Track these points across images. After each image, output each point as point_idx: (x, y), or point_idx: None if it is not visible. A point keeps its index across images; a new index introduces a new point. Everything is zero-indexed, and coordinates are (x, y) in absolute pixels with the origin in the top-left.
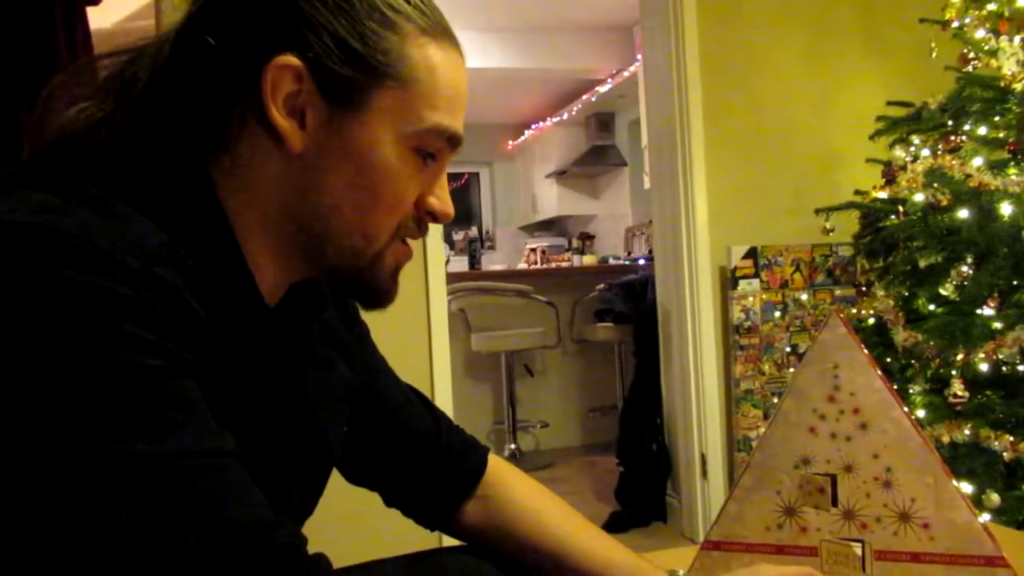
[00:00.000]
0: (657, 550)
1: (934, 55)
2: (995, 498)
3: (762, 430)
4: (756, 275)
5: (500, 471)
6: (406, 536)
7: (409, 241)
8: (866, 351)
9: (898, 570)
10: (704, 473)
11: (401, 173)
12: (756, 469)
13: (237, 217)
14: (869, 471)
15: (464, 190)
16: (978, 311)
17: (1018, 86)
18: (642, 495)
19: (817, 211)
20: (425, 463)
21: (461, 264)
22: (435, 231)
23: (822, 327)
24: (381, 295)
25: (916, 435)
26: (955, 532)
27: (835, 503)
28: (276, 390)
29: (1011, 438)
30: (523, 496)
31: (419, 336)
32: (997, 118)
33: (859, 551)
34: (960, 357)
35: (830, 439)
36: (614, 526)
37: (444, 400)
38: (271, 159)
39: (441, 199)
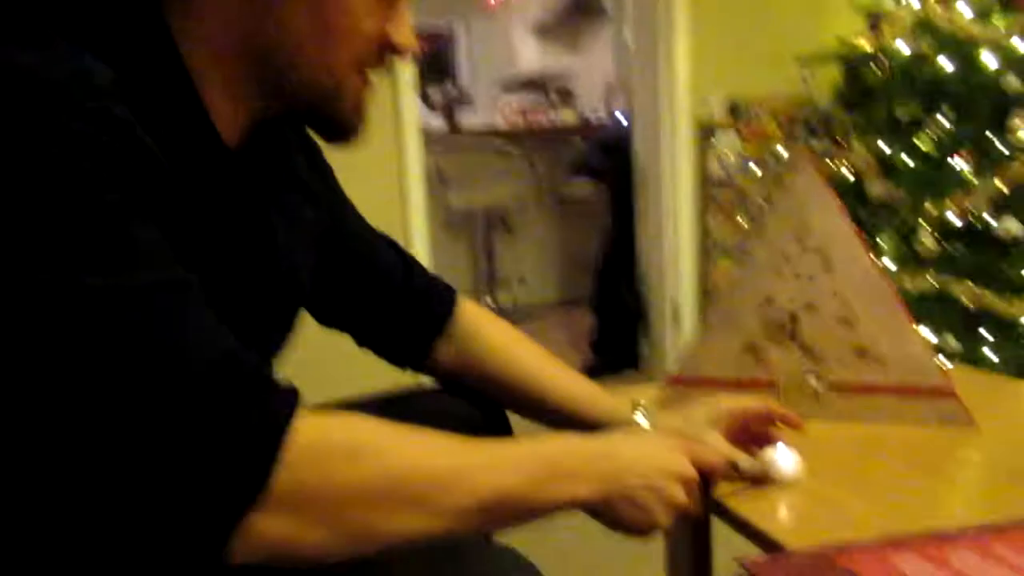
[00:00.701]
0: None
1: None
2: (953, 343)
3: None
4: (734, 127)
5: (471, 312)
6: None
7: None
8: (833, 193)
9: (852, 401)
10: (676, 322)
11: (358, 5)
12: (721, 308)
13: (191, 54)
14: (830, 309)
15: (441, 46)
16: (951, 163)
17: None
18: (616, 345)
19: (798, 60)
20: (395, 303)
21: (438, 122)
22: (406, 84)
23: (793, 169)
24: (345, 128)
25: (876, 274)
26: (908, 365)
27: (796, 340)
28: (241, 232)
29: (973, 287)
30: (493, 335)
31: (393, 192)
32: None
33: (816, 384)
34: (930, 208)
35: (794, 278)
36: (588, 374)
37: (421, 256)
38: None
39: (401, 31)
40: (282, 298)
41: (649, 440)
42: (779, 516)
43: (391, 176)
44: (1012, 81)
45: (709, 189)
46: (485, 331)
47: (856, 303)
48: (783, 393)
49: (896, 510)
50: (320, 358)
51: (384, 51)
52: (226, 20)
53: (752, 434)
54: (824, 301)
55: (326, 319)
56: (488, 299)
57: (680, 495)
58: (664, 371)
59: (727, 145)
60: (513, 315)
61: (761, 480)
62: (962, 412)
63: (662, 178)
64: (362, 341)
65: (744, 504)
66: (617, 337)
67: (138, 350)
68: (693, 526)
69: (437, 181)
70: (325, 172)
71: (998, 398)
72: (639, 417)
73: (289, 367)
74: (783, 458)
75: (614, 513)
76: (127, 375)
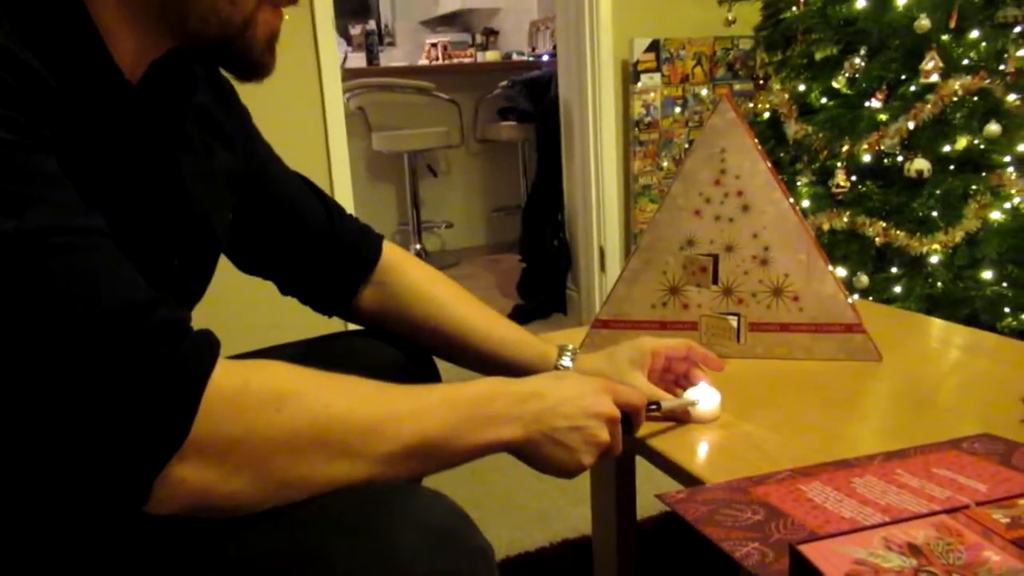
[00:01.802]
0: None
1: None
2: (864, 279)
3: None
4: (658, 69)
5: (396, 257)
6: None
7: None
8: (752, 135)
9: (769, 339)
10: (602, 266)
11: None
12: (644, 252)
13: None
14: (748, 250)
15: None
16: (866, 104)
17: None
18: (543, 289)
19: (720, 0)
20: (318, 249)
21: (359, 60)
22: (326, 21)
23: (712, 112)
24: (257, 65)
25: (793, 215)
26: (822, 303)
27: (716, 281)
28: (148, 172)
29: (884, 224)
30: (419, 280)
31: (315, 135)
32: None
33: (735, 323)
34: (845, 148)
35: (714, 220)
36: (516, 318)
37: (345, 201)
38: None
39: None
40: (194, 241)
41: (573, 382)
42: (698, 453)
43: (313, 118)
44: (923, 21)
45: (634, 132)
46: (411, 276)
47: (773, 244)
48: (704, 332)
49: (808, 443)
50: (243, 306)
51: None
52: None
53: (674, 373)
54: (743, 242)
55: (248, 266)
56: (415, 244)
57: (604, 435)
58: (592, 315)
59: (651, 87)
60: (441, 260)
61: (683, 418)
62: (870, 347)
63: (587, 120)
64: (285, 289)
65: (665, 441)
66: (545, 281)
67: (47, 297)
68: (617, 465)
69: (360, 123)
70: (242, 114)
71: (904, 332)
72: (565, 360)
73: (212, 315)
74: (704, 397)
75: (540, 454)
76: (36, 323)
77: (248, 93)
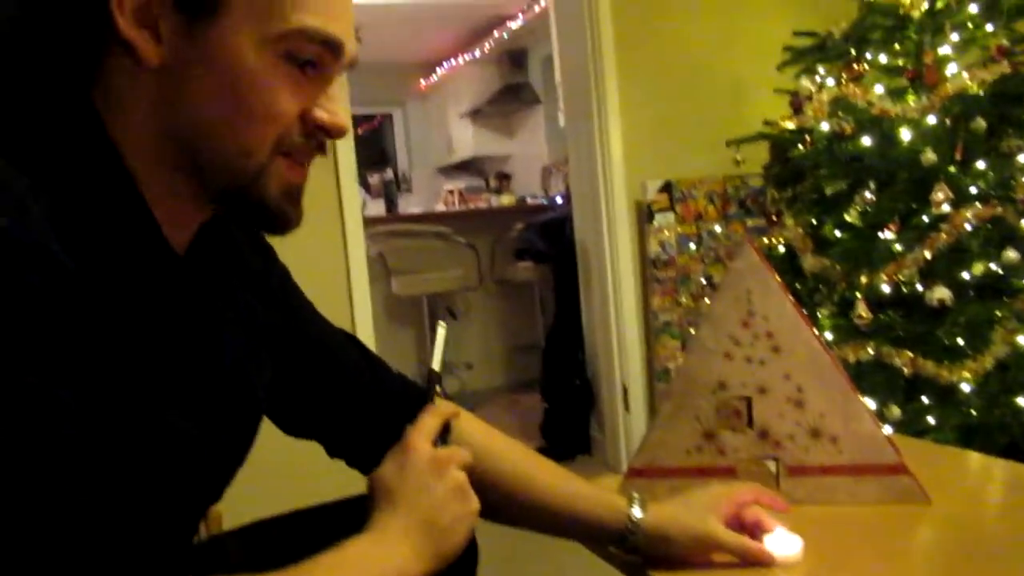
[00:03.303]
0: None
1: None
2: (896, 411)
3: (681, 360)
4: (671, 208)
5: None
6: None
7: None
8: (776, 277)
9: (810, 483)
10: (626, 405)
11: (272, 82)
12: (676, 397)
13: (129, 152)
14: (782, 391)
15: (377, 132)
16: (880, 235)
17: (916, 13)
18: (567, 430)
19: (728, 143)
20: (365, 407)
21: (378, 208)
22: (348, 172)
23: (735, 255)
24: (276, 217)
25: (824, 354)
26: (861, 444)
27: (751, 424)
28: (193, 342)
29: (910, 354)
30: (476, 435)
31: (338, 281)
32: (897, 46)
33: (773, 468)
34: (864, 280)
35: (745, 363)
36: None
37: (367, 344)
38: (139, 80)
39: (330, 111)
40: (237, 410)
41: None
42: None
43: (336, 264)
44: (929, 155)
45: (651, 269)
46: (467, 432)
47: (806, 384)
48: (742, 479)
49: None
50: (286, 466)
51: (312, 132)
52: (145, 109)
53: (742, 519)
54: (775, 384)
55: (292, 428)
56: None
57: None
58: (617, 457)
59: (665, 226)
60: (461, 401)
61: (767, 563)
62: (917, 489)
63: (604, 260)
64: (333, 451)
65: None
66: (567, 421)
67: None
68: None
69: (379, 268)
70: (284, 273)
71: (948, 470)
72: (635, 510)
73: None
74: (786, 542)
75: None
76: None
77: (272, 240)
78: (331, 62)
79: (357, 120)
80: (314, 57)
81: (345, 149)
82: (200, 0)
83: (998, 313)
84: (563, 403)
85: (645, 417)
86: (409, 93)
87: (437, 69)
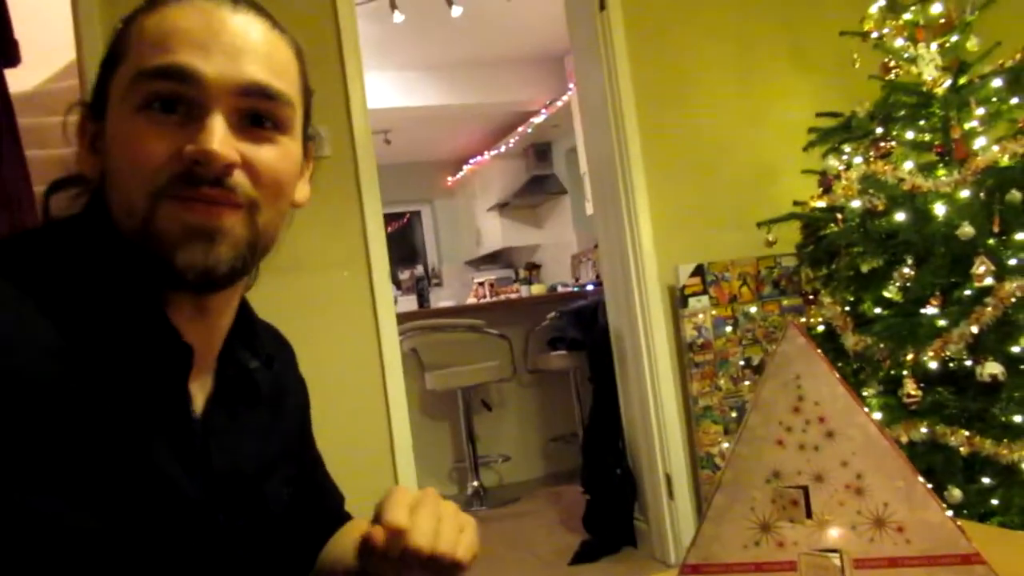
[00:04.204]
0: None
1: (857, 65)
2: (956, 493)
3: (724, 445)
4: (705, 292)
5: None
6: None
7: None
8: (825, 359)
9: None
10: (671, 494)
11: (137, 134)
12: (728, 487)
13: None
14: (840, 479)
15: (407, 229)
16: (922, 311)
17: (939, 90)
18: (610, 521)
19: (759, 224)
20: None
21: (410, 303)
22: (381, 269)
23: (780, 339)
24: (179, 264)
25: (882, 438)
26: (930, 532)
27: (809, 514)
28: (207, 449)
29: (966, 433)
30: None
31: (373, 379)
32: (922, 122)
33: (838, 562)
34: (910, 357)
35: (798, 450)
36: (585, 555)
37: (404, 442)
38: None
39: (197, 141)
40: (245, 508)
41: None
42: None
43: (371, 363)
44: (967, 228)
45: (687, 354)
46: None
47: (865, 471)
48: (804, 574)
49: None
50: None
51: (193, 169)
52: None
53: None
54: (832, 471)
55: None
56: (472, 481)
57: None
58: (664, 548)
59: (700, 309)
60: (500, 495)
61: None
62: None
63: (640, 347)
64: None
65: None
66: (610, 513)
67: None
68: None
69: (413, 364)
70: (303, 388)
71: (1018, 555)
72: None
73: None
74: None
75: None
76: None
77: (306, 340)
78: (189, 91)
79: (387, 219)
80: (165, 93)
81: (376, 245)
82: (100, 103)
83: None
84: (605, 494)
85: (691, 505)
86: (437, 190)
87: (464, 166)
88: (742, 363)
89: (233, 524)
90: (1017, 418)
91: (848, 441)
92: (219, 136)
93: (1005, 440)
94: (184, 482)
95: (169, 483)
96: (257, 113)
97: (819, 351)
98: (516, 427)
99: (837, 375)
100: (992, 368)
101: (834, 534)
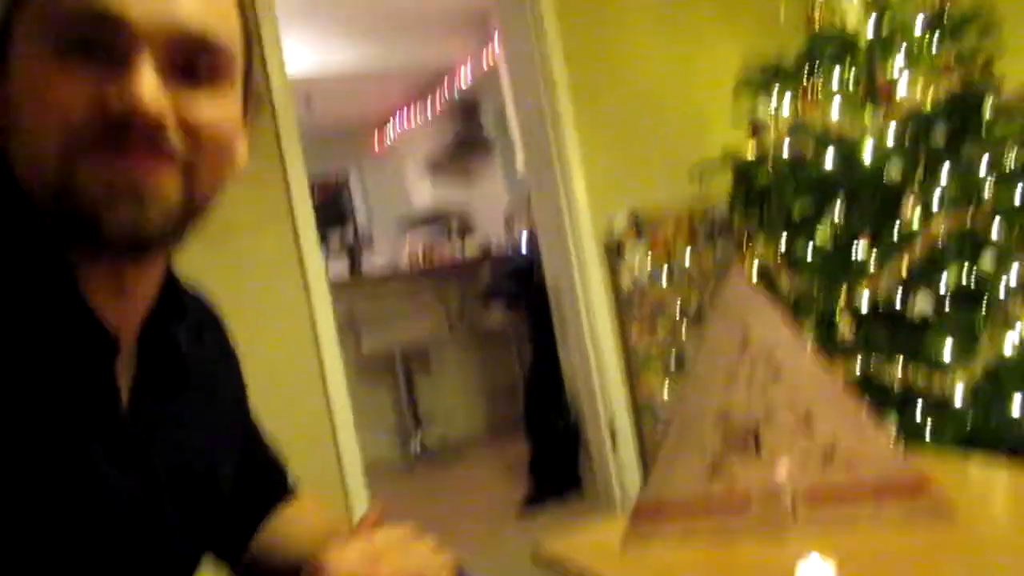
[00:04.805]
0: (578, 521)
1: (782, 20)
2: (891, 427)
3: (666, 393)
4: (641, 241)
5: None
6: None
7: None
8: (769, 300)
9: (829, 511)
10: (614, 444)
11: (47, 81)
12: (678, 429)
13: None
14: (788, 415)
15: (336, 193)
16: (853, 252)
17: (862, 41)
18: (555, 469)
19: (691, 172)
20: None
21: (342, 267)
22: (308, 232)
23: (724, 283)
24: (104, 229)
25: (825, 372)
26: (877, 461)
27: (760, 451)
28: (152, 429)
29: (899, 368)
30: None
31: (306, 347)
32: (848, 68)
33: (788, 496)
34: (843, 297)
35: (747, 390)
36: (533, 500)
37: (343, 407)
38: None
39: (122, 88)
40: (200, 502)
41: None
42: None
43: (303, 327)
44: (893, 169)
45: (624, 303)
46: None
47: (814, 406)
48: (756, 510)
49: None
50: None
51: (116, 120)
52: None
53: None
54: (781, 408)
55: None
56: (416, 441)
57: None
58: (609, 493)
59: (635, 258)
60: (444, 454)
61: None
62: (942, 506)
63: (578, 299)
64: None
65: None
66: (555, 461)
67: None
68: None
69: (348, 328)
70: (239, 376)
71: (963, 480)
72: None
73: None
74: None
75: None
76: None
77: (235, 311)
78: (109, 36)
79: (317, 189)
80: (90, 38)
81: (301, 205)
82: (3, 36)
83: (981, 322)
84: (548, 443)
85: (635, 453)
86: (364, 152)
87: (390, 127)
88: (680, 311)
89: (188, 519)
90: (947, 351)
91: (794, 378)
92: (148, 85)
93: (936, 373)
94: (116, 480)
95: (99, 483)
96: (193, 62)
97: (762, 293)
98: (457, 386)
99: (780, 315)
100: (922, 304)
101: (785, 469)
